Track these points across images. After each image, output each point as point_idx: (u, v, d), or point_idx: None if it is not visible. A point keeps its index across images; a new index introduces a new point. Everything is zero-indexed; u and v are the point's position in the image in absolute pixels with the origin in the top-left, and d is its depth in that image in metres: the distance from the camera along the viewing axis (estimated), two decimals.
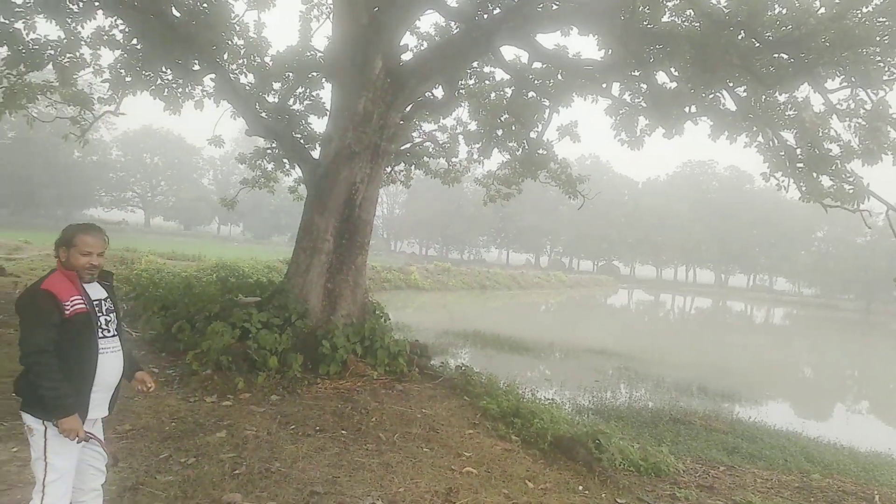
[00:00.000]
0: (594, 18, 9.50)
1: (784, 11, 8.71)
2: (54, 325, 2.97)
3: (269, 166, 14.36)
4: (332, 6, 11.00)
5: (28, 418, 3.02)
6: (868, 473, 8.07)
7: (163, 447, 5.29)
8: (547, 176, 14.11)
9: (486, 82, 13.46)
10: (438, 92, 12.06)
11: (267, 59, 12.06)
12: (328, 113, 10.46)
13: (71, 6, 9.63)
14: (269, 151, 13.79)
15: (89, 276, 3.18)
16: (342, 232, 9.35)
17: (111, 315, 3.29)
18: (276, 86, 12.50)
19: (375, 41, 9.38)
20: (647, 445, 7.28)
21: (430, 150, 13.87)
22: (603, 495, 5.60)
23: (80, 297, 3.08)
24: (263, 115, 11.10)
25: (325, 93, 12.57)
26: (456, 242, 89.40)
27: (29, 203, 61.44)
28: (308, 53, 12.14)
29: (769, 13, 8.74)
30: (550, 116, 12.75)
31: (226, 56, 11.28)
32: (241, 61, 11.78)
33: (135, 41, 10.78)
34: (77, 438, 2.95)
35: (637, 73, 10.51)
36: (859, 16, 8.14)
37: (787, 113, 10.06)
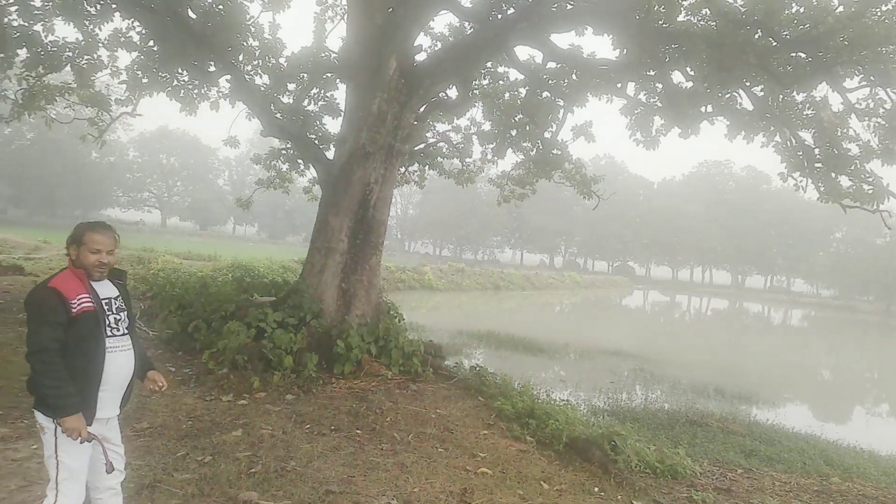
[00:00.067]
0: (609, 18, 9.46)
1: (802, 10, 8.63)
2: (60, 324, 2.96)
3: (284, 167, 14.41)
4: (346, 7, 11.04)
5: (39, 416, 3.02)
6: (889, 477, 7.96)
7: (180, 445, 5.33)
8: (561, 176, 14.05)
9: (501, 82, 13.43)
10: (452, 92, 12.07)
11: (282, 61, 12.11)
12: (342, 113, 10.50)
13: (89, 8, 9.74)
14: (283, 152, 13.84)
15: (98, 273, 3.17)
16: (356, 232, 9.38)
17: (122, 314, 3.27)
18: (291, 87, 12.54)
19: (390, 42, 9.40)
20: (664, 447, 7.23)
21: (444, 150, 13.85)
22: (619, 497, 5.56)
23: (87, 296, 3.07)
24: (278, 115, 11.15)
25: (340, 93, 12.60)
26: (470, 243, 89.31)
27: (48, 203, 62.22)
28: (322, 54, 12.18)
29: (787, 12, 8.66)
30: (565, 116, 12.70)
31: (241, 57, 11.35)
32: (256, 62, 11.84)
33: (151, 43, 10.90)
34: (80, 438, 2.93)
35: (652, 73, 10.44)
36: (878, 14, 8.05)
37: (804, 112, 9.96)
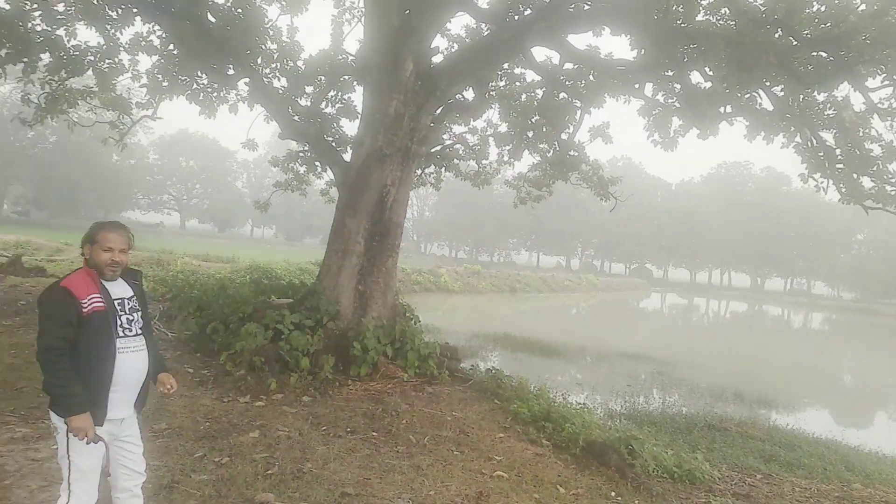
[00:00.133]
0: (627, 18, 9.39)
1: (823, 9, 8.51)
2: (70, 323, 2.96)
3: (302, 169, 14.50)
4: (363, 10, 11.08)
5: (53, 416, 3.03)
6: None
7: (197, 446, 5.36)
8: (578, 178, 13.99)
9: (517, 84, 13.41)
10: (469, 94, 12.05)
11: (299, 63, 12.19)
12: (360, 116, 10.53)
13: (110, 13, 9.87)
14: (301, 154, 13.93)
15: (111, 272, 3.16)
16: (373, 234, 9.40)
17: (135, 314, 3.25)
18: (309, 89, 12.62)
19: (406, 44, 9.42)
20: (682, 452, 7.15)
21: (461, 152, 13.85)
22: (636, 502, 5.52)
23: (98, 296, 3.07)
24: (296, 118, 11.22)
25: (357, 96, 12.67)
26: (486, 245, 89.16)
27: (70, 206, 63.09)
28: (340, 57, 12.24)
29: (807, 10, 8.54)
30: (582, 118, 12.65)
31: (259, 60, 11.44)
32: (274, 65, 11.92)
33: (171, 47, 11.01)
34: (86, 439, 2.93)
35: (671, 73, 10.36)
36: None
37: (826, 112, 9.82)
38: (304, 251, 49.67)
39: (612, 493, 5.60)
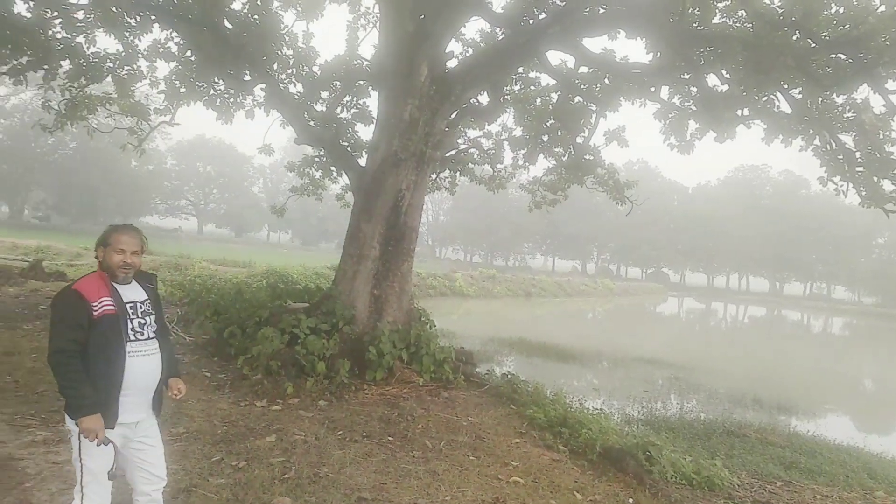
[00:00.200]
0: (642, 21, 9.34)
1: (841, 10, 8.40)
2: (81, 326, 2.97)
3: (317, 174, 14.57)
4: (378, 15, 11.13)
5: (67, 419, 3.05)
6: None
7: (215, 450, 5.39)
8: (594, 182, 13.92)
9: (532, 88, 13.37)
10: (484, 98, 12.05)
11: (315, 69, 12.26)
12: (375, 121, 10.57)
13: (129, 20, 9.98)
14: (317, 159, 14.00)
15: (123, 274, 3.16)
16: (388, 238, 9.42)
17: (148, 318, 3.24)
18: (324, 94, 12.69)
19: (421, 49, 9.44)
20: (700, 458, 7.06)
21: (475, 156, 13.85)
22: None
23: (109, 299, 3.07)
24: (312, 123, 11.27)
25: (372, 101, 12.74)
26: (501, 249, 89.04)
27: (89, 211, 63.92)
28: (355, 62, 12.29)
29: (826, 12, 8.44)
30: (597, 121, 12.59)
31: (276, 66, 11.52)
32: (290, 71, 12.00)
33: (189, 53, 11.13)
34: (96, 441, 2.93)
35: (687, 76, 10.27)
36: None
37: (845, 115, 9.68)
38: (319, 255, 49.98)
39: (630, 500, 5.54)
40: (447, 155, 11.61)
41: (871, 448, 10.05)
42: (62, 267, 19.81)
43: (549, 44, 10.08)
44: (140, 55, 11.13)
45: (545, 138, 13.44)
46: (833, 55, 8.70)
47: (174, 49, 11.29)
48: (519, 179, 17.68)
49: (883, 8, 7.96)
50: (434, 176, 13.15)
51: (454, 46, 11.89)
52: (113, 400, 3.05)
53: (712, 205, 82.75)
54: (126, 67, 11.15)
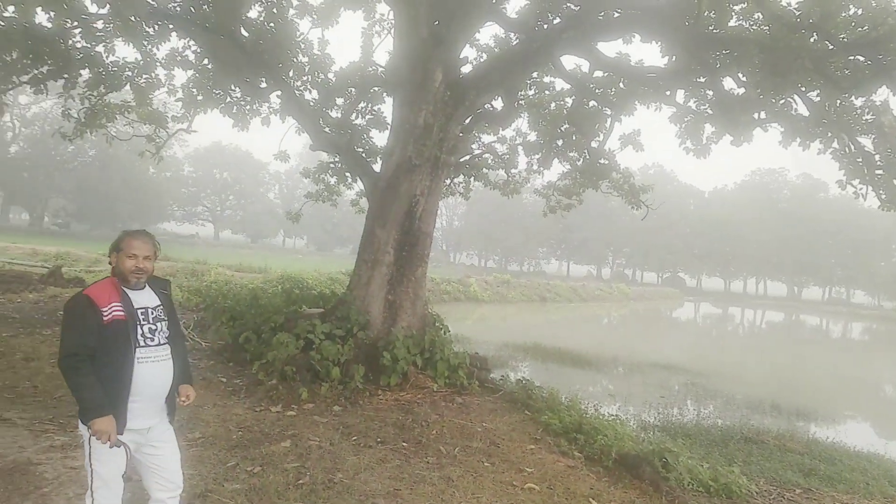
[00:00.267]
0: (657, 25, 9.29)
1: (860, 11, 8.29)
2: (90, 331, 2.99)
3: (332, 180, 14.63)
4: (393, 21, 11.18)
5: (80, 424, 3.06)
6: None
7: (230, 455, 5.41)
8: (609, 186, 13.85)
9: (546, 92, 13.35)
10: (498, 103, 12.05)
11: (330, 76, 12.34)
12: (389, 127, 10.60)
13: (147, 29, 10.11)
14: (332, 165, 14.06)
15: (135, 279, 3.18)
16: (403, 244, 9.43)
17: (159, 324, 3.24)
18: (339, 101, 12.77)
19: (436, 55, 9.46)
20: (717, 465, 6.97)
21: (490, 161, 13.83)
22: None
23: (119, 304, 3.08)
24: (327, 130, 11.34)
25: (387, 107, 12.75)
26: (515, 254, 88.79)
27: (108, 218, 64.66)
28: (370, 69, 12.36)
29: (844, 14, 8.34)
30: (612, 125, 12.53)
31: (291, 73, 11.62)
32: (305, 78, 12.10)
33: (206, 61, 11.27)
34: (108, 442, 2.93)
35: (703, 80, 10.20)
36: None
37: (864, 117, 9.58)
38: (334, 261, 50.13)
39: None
40: (461, 160, 11.60)
41: (892, 455, 9.90)
42: (81, 273, 20.06)
43: (563, 48, 10.07)
44: (158, 64, 11.28)
45: (560, 143, 13.41)
46: (851, 57, 8.59)
47: (191, 57, 11.43)
48: (533, 184, 17.63)
49: None
50: (448, 181, 13.14)
51: (468, 52, 11.93)
52: (121, 405, 3.05)
53: (729, 209, 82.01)
54: (144, 76, 11.31)
